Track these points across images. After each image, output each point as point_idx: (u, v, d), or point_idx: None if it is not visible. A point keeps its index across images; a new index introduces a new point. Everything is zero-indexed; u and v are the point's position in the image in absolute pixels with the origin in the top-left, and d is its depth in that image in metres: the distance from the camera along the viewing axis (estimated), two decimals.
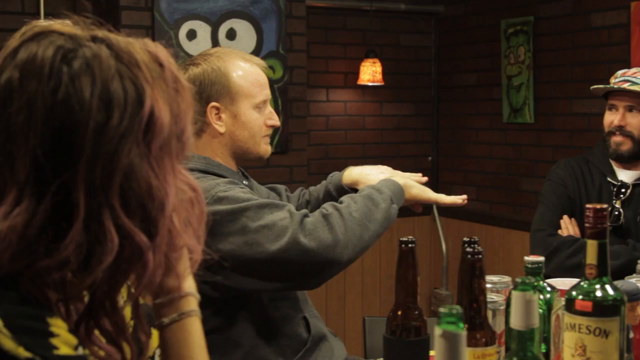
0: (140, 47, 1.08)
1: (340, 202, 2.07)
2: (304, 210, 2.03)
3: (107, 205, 1.00)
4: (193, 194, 1.11)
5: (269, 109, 2.24)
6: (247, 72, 2.18)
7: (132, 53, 1.05)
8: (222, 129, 2.17)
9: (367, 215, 2.03)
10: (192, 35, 4.34)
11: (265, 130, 2.22)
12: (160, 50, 1.10)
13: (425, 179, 2.38)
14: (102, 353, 1.06)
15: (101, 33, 1.07)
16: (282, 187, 2.50)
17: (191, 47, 4.34)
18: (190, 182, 1.12)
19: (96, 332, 1.06)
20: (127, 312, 1.12)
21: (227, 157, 2.21)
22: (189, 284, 1.19)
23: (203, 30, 4.37)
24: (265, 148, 2.23)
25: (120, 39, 1.07)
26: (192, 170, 2.10)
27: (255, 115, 2.18)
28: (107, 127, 1.00)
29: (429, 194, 2.30)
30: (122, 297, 1.11)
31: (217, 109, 2.16)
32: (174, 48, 4.26)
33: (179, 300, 1.17)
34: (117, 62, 1.04)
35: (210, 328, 2.11)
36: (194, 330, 1.18)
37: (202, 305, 2.16)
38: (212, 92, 2.15)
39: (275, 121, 2.24)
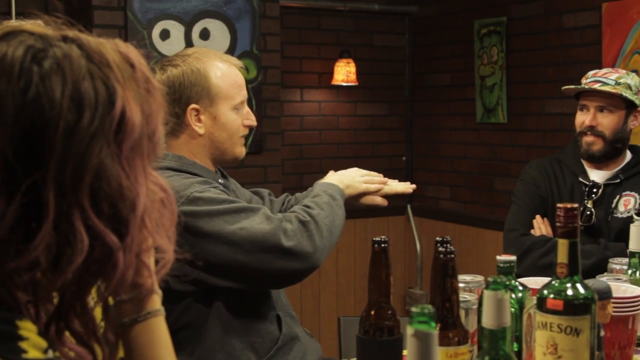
0: (112, 47, 1.07)
1: (308, 207, 2.12)
2: (279, 215, 2.06)
3: (77, 205, 1.00)
4: (164, 194, 1.11)
5: (246, 109, 2.25)
6: (225, 73, 2.19)
7: (103, 53, 1.05)
8: (201, 131, 2.17)
9: (333, 221, 2.12)
10: (165, 35, 4.32)
11: (242, 131, 2.23)
12: (131, 51, 1.10)
13: (412, 186, 2.50)
14: (72, 354, 1.05)
15: (72, 33, 1.06)
16: (265, 192, 2.51)
17: (164, 47, 4.32)
18: (160, 183, 1.11)
19: (66, 333, 1.06)
20: (98, 313, 1.12)
21: (205, 158, 2.21)
22: (155, 283, 1.19)
23: (176, 30, 4.36)
24: (240, 149, 2.25)
25: (91, 39, 1.06)
26: (166, 168, 2.11)
27: (233, 117, 2.19)
28: (78, 127, 1.00)
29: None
30: (93, 297, 1.10)
31: (197, 110, 2.16)
32: (146, 48, 4.24)
33: (146, 299, 1.16)
34: (88, 62, 1.03)
35: (180, 324, 2.12)
36: (160, 330, 1.18)
37: (172, 300, 2.17)
38: (191, 93, 2.15)
39: (253, 121, 2.25)
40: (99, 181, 1.01)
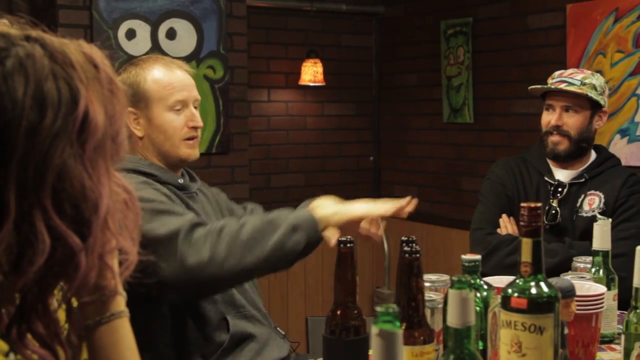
0: (75, 47, 1.07)
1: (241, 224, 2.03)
2: (195, 221, 2.02)
3: (38, 206, 0.99)
4: (127, 196, 1.10)
5: (191, 110, 2.26)
6: (160, 76, 2.22)
7: (67, 53, 1.04)
8: (139, 133, 2.23)
9: (257, 239, 1.99)
10: (131, 34, 4.30)
11: (186, 133, 2.24)
12: (95, 52, 1.09)
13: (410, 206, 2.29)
14: (35, 357, 1.04)
15: (35, 33, 1.05)
16: (250, 206, 2.51)
17: (130, 47, 4.29)
18: (124, 184, 1.10)
19: (29, 336, 1.04)
20: (62, 315, 1.11)
21: (154, 159, 2.25)
22: (119, 284, 1.18)
23: (142, 29, 4.33)
24: (186, 151, 2.25)
25: (55, 39, 1.05)
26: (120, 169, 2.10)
27: (170, 118, 2.22)
28: (40, 127, 0.99)
29: (372, 211, 2.21)
30: (57, 299, 1.09)
31: (135, 114, 2.22)
32: (112, 48, 4.21)
33: (110, 300, 1.16)
34: (51, 62, 1.02)
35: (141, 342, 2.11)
36: (124, 332, 1.17)
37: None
38: (128, 98, 2.17)
39: (196, 122, 2.26)
40: (62, 182, 1.00)
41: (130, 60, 4.22)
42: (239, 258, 1.95)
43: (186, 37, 4.39)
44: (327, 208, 2.10)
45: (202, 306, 2.15)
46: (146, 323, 2.11)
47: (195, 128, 2.26)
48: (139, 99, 2.21)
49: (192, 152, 2.26)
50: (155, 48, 4.35)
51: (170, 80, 2.23)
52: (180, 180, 2.25)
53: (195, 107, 2.28)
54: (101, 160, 1.05)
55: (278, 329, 2.34)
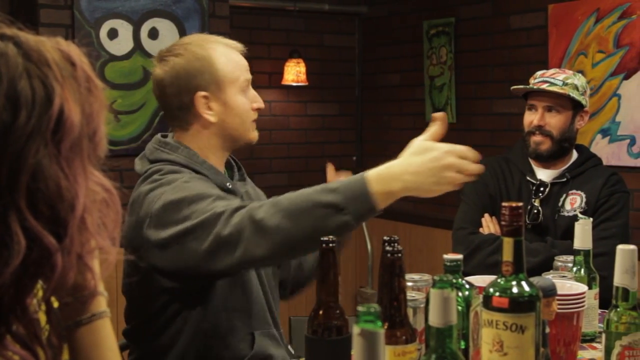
0: (52, 45, 1.05)
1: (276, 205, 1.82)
2: (242, 203, 1.87)
3: (13, 206, 0.98)
4: (107, 195, 1.09)
5: (252, 91, 2.17)
6: (229, 57, 2.12)
7: (42, 52, 1.03)
8: (213, 119, 2.10)
9: (294, 218, 1.77)
10: (113, 34, 4.28)
11: (252, 115, 2.16)
12: (72, 49, 1.08)
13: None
14: (16, 358, 1.03)
15: (10, 31, 1.04)
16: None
17: (112, 47, 4.28)
18: (103, 183, 1.09)
19: (9, 337, 1.04)
20: (43, 316, 1.10)
21: (217, 149, 2.14)
22: (100, 284, 1.17)
23: (124, 29, 4.31)
24: (254, 133, 2.17)
25: (30, 37, 1.04)
26: (172, 162, 2.06)
27: (242, 100, 2.12)
28: (14, 126, 0.98)
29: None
30: (37, 300, 1.08)
31: (206, 98, 2.09)
32: (94, 47, 4.19)
33: (90, 301, 1.15)
34: (26, 61, 1.01)
35: (149, 335, 2.10)
36: (106, 333, 1.17)
37: (138, 311, 2.13)
38: (198, 81, 2.08)
39: (260, 103, 2.17)
40: (36, 182, 0.99)
41: (112, 59, 4.25)
42: (271, 236, 1.76)
43: (168, 36, 4.38)
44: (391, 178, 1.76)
45: (234, 316, 2.08)
46: (169, 322, 2.08)
47: (258, 109, 2.17)
48: (211, 82, 2.08)
49: (256, 133, 2.19)
50: (138, 48, 4.34)
51: (237, 60, 2.13)
52: (229, 184, 2.13)
53: None
54: (78, 160, 1.03)
55: (289, 347, 2.29)
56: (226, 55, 2.11)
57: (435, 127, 1.86)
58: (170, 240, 1.90)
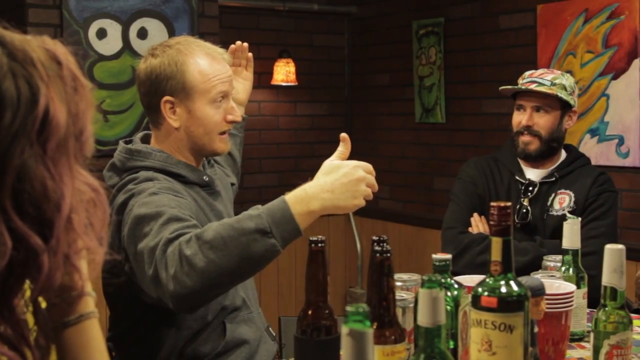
0: (38, 44, 1.05)
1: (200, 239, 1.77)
2: (182, 231, 1.84)
3: None
4: (94, 194, 1.08)
5: (230, 103, 2.16)
6: (206, 66, 2.10)
7: (27, 51, 1.02)
8: (176, 124, 2.12)
9: (220, 249, 1.74)
10: (102, 34, 4.27)
11: (223, 126, 2.15)
12: (58, 48, 1.07)
13: None
14: (4, 359, 1.03)
15: None
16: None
17: (101, 46, 4.27)
18: (91, 182, 1.09)
19: None
20: (30, 317, 1.09)
21: (185, 152, 2.16)
22: (88, 284, 1.16)
23: (113, 29, 4.30)
24: (220, 145, 2.17)
25: (16, 37, 1.04)
26: (147, 168, 2.07)
27: (211, 112, 2.12)
28: None
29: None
30: (26, 301, 1.08)
31: (172, 103, 2.10)
32: (83, 47, 4.18)
33: (78, 301, 1.14)
34: (10, 60, 1.00)
35: (130, 341, 2.11)
36: (94, 334, 1.16)
37: (121, 317, 2.14)
38: (167, 86, 2.09)
39: (235, 117, 2.16)
40: (22, 182, 0.98)
41: (101, 59, 4.24)
42: (202, 272, 1.73)
43: (158, 36, 4.37)
44: (309, 197, 1.78)
45: (201, 310, 2.06)
46: (139, 320, 2.10)
47: (232, 122, 2.17)
48: (181, 89, 2.09)
49: (225, 146, 2.18)
50: (127, 48, 4.33)
51: (215, 71, 2.11)
52: (206, 178, 2.17)
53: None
54: (64, 160, 1.03)
55: (270, 329, 2.31)
56: (203, 65, 2.11)
57: (341, 147, 1.93)
58: (132, 256, 1.93)
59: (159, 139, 2.17)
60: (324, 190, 1.78)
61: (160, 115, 2.13)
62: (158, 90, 2.10)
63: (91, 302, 1.18)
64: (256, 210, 1.79)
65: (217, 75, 2.12)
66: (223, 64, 2.15)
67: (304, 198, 1.77)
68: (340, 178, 1.79)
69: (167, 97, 2.10)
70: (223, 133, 2.16)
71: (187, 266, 1.73)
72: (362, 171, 1.82)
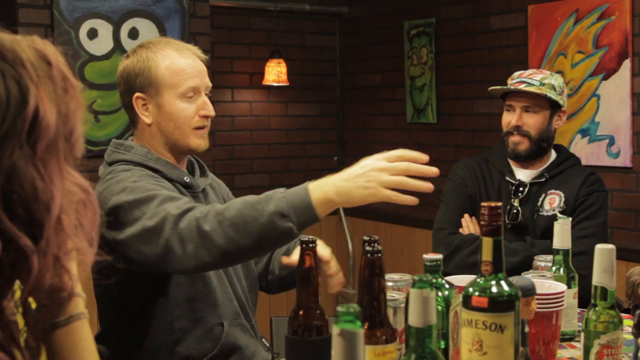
0: (28, 44, 1.04)
1: (220, 215, 1.83)
2: (188, 205, 1.90)
3: None
4: (84, 195, 1.08)
5: (203, 98, 2.18)
6: (175, 61, 2.14)
7: (17, 51, 1.02)
8: (148, 120, 2.16)
9: (241, 228, 1.80)
10: (93, 34, 4.26)
11: (196, 122, 2.16)
12: (48, 48, 1.07)
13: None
14: None
15: None
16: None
17: (92, 47, 4.26)
18: (81, 183, 1.08)
19: None
20: (20, 318, 1.09)
21: (161, 148, 2.19)
22: (78, 285, 1.16)
23: (104, 29, 4.29)
24: (196, 141, 2.18)
25: (5, 37, 1.03)
26: (127, 161, 2.12)
27: (181, 106, 2.14)
28: None
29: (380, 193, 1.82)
30: (16, 302, 1.07)
31: (143, 99, 2.15)
32: (73, 47, 4.17)
33: (68, 302, 1.14)
34: (0, 61, 1.00)
35: (120, 340, 2.11)
36: (84, 334, 1.16)
37: (112, 318, 2.14)
38: (137, 83, 2.14)
39: (208, 111, 2.18)
40: (12, 184, 0.98)
41: (92, 59, 4.23)
42: (221, 249, 1.80)
43: (149, 37, 4.35)
44: (329, 187, 1.80)
45: (201, 307, 2.11)
46: (138, 319, 2.10)
47: (206, 117, 2.18)
48: (149, 85, 2.13)
49: (201, 142, 2.19)
50: (118, 48, 4.32)
51: (183, 66, 2.14)
52: (187, 179, 2.18)
53: (207, 95, 2.20)
54: (54, 161, 1.02)
55: (263, 340, 2.31)
56: (171, 60, 2.14)
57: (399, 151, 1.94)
58: (122, 243, 1.93)
59: (137, 136, 2.22)
60: (341, 179, 1.80)
61: (135, 113, 2.18)
62: (130, 88, 2.16)
63: (81, 303, 1.17)
64: (279, 193, 1.82)
65: (185, 70, 2.15)
66: (193, 58, 2.18)
67: (324, 185, 1.80)
68: (359, 169, 1.81)
69: (138, 94, 2.15)
70: (198, 128, 2.18)
71: (207, 242, 1.80)
72: (385, 162, 1.83)
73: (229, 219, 1.80)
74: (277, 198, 1.80)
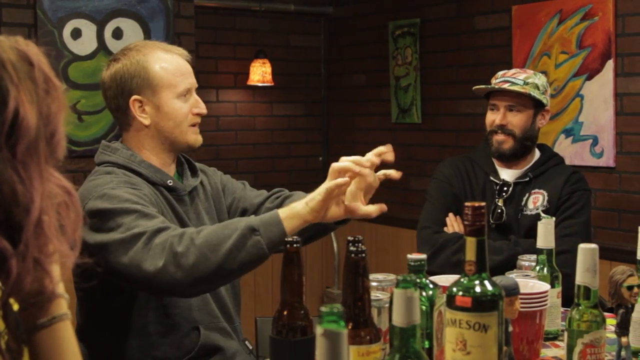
0: (10, 45, 1.04)
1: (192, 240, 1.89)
2: (163, 225, 1.94)
3: None
4: (67, 196, 1.07)
5: (195, 97, 2.23)
6: (167, 62, 2.18)
7: None
8: (146, 121, 2.18)
9: (212, 247, 1.87)
10: (77, 34, 4.24)
11: (191, 119, 2.22)
12: (31, 49, 1.06)
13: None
14: None
15: None
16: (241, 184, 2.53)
17: (76, 47, 4.24)
18: (63, 185, 1.08)
19: None
20: (0, 321, 1.08)
21: (156, 150, 2.21)
22: (60, 286, 1.16)
23: (88, 29, 4.28)
24: (193, 137, 2.23)
25: None
26: (112, 163, 2.14)
27: (178, 105, 2.18)
28: None
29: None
30: None
31: (140, 101, 2.16)
32: (57, 47, 4.15)
33: (50, 303, 1.13)
34: None
35: (99, 342, 2.10)
36: (67, 335, 1.15)
37: (89, 320, 2.14)
38: (132, 85, 2.15)
39: (202, 109, 2.24)
40: None
41: (76, 59, 4.21)
42: (192, 266, 1.84)
43: (133, 36, 4.35)
44: (299, 202, 1.95)
45: (175, 313, 2.12)
46: (115, 322, 2.11)
47: (199, 114, 2.24)
48: (146, 86, 2.15)
49: (198, 137, 2.25)
50: (102, 48, 4.31)
51: (176, 67, 2.19)
52: (170, 182, 2.19)
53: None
54: (34, 163, 1.02)
55: (246, 343, 2.31)
56: (164, 61, 2.18)
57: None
58: (93, 248, 1.94)
59: (127, 140, 2.22)
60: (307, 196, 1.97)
61: (130, 116, 2.18)
62: (125, 90, 2.17)
63: (64, 304, 1.17)
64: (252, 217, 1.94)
65: (179, 70, 2.19)
66: (182, 59, 2.23)
67: (293, 205, 1.94)
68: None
69: (135, 97, 2.16)
70: (193, 125, 2.23)
71: (177, 263, 1.85)
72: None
73: (202, 237, 1.87)
74: (249, 217, 1.94)
